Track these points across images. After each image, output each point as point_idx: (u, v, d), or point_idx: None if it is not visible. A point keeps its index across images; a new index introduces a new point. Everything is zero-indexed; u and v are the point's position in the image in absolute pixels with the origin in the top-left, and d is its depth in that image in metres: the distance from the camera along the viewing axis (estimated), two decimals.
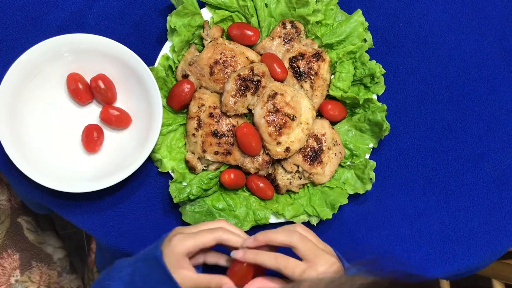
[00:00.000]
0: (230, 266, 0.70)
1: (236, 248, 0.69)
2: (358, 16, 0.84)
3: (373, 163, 0.84)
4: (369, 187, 0.84)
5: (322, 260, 0.67)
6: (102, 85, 0.80)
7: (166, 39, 0.83)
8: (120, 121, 0.81)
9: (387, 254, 0.71)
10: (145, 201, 0.84)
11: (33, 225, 1.22)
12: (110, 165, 0.80)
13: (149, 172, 0.84)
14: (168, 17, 0.80)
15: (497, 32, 0.95)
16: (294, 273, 0.65)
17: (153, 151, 0.79)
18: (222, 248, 0.71)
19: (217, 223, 0.71)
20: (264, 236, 0.69)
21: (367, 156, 0.86)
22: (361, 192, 0.84)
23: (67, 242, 1.43)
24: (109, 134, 0.82)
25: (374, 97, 0.86)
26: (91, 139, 0.80)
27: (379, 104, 0.83)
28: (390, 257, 0.71)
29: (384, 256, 0.69)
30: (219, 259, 0.73)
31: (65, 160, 0.80)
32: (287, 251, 0.68)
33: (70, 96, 0.81)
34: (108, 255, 1.01)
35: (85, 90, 0.80)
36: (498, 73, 0.94)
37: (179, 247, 0.67)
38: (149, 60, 0.82)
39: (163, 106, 0.79)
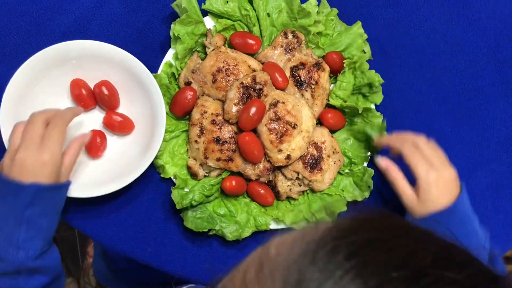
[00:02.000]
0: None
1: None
2: (358, 28, 0.86)
3: (371, 171, 0.85)
4: (367, 194, 0.86)
5: (443, 166, 0.75)
6: (105, 91, 0.81)
7: (169, 47, 0.84)
8: (123, 127, 0.82)
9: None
10: (147, 206, 0.84)
11: None
12: (113, 171, 0.80)
13: (151, 177, 0.85)
14: (172, 25, 0.81)
15: (491, 44, 0.97)
16: (416, 165, 0.75)
17: (155, 157, 0.80)
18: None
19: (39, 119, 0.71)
20: (387, 139, 0.81)
21: (365, 164, 0.88)
22: (360, 199, 0.86)
23: (60, 245, 1.42)
24: (112, 140, 0.83)
25: (372, 106, 0.88)
26: (94, 144, 0.80)
27: (378, 113, 0.85)
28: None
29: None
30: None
31: None
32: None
33: (73, 101, 0.82)
34: (106, 259, 1.01)
35: (89, 95, 0.81)
36: (492, 84, 0.97)
37: (53, 162, 0.68)
38: (152, 67, 0.83)
39: (166, 113, 0.80)
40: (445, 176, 0.75)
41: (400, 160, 0.80)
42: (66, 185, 0.72)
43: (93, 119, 0.84)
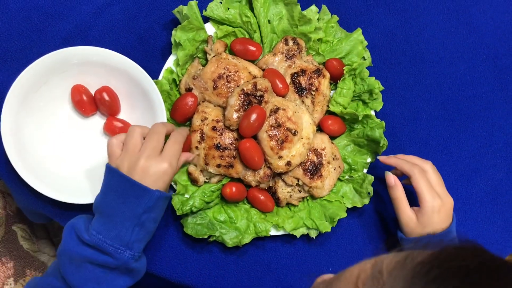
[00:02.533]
0: None
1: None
2: (358, 35, 0.87)
3: (371, 178, 0.86)
4: (367, 201, 0.86)
5: (445, 192, 0.81)
6: (106, 97, 0.81)
7: (170, 53, 0.84)
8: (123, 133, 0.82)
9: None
10: None
11: (27, 233, 1.21)
12: None
13: None
14: (173, 31, 0.81)
15: (490, 50, 0.98)
16: (422, 188, 0.80)
17: None
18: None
19: (135, 132, 0.73)
20: (403, 156, 0.85)
21: (365, 170, 0.88)
22: (359, 205, 0.86)
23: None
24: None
25: (372, 113, 0.88)
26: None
27: (378, 120, 0.85)
28: (453, 231, 0.81)
29: (449, 231, 0.79)
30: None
31: (68, 171, 0.81)
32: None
33: (74, 107, 0.82)
34: None
35: (89, 101, 0.81)
36: (491, 91, 0.97)
37: (171, 176, 0.71)
38: (153, 73, 0.83)
39: (167, 119, 0.81)
40: (447, 205, 0.81)
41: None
42: (171, 196, 0.74)
43: (94, 125, 0.84)
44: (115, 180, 0.69)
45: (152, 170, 0.69)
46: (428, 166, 0.82)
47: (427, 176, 0.81)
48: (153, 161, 0.69)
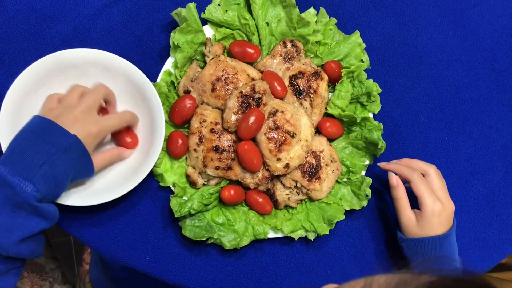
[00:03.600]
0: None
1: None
2: (356, 38, 0.87)
3: (369, 180, 0.86)
4: (365, 203, 0.86)
5: (446, 196, 0.81)
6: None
7: (168, 55, 0.84)
8: (131, 145, 0.82)
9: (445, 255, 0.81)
10: (145, 215, 0.84)
11: None
12: (111, 179, 0.80)
13: (150, 186, 0.84)
14: (172, 34, 0.81)
15: (488, 53, 0.98)
16: (422, 193, 0.80)
17: (154, 166, 0.80)
18: None
19: (76, 91, 0.76)
20: (407, 160, 0.85)
21: (363, 173, 0.88)
22: (357, 208, 0.86)
23: (56, 250, 1.42)
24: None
25: (370, 115, 0.88)
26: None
27: (376, 122, 0.85)
28: (449, 257, 0.81)
29: (444, 256, 0.76)
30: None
31: None
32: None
33: None
34: (104, 267, 1.01)
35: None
36: (489, 93, 0.98)
37: (97, 136, 0.72)
38: (151, 75, 0.83)
39: (165, 121, 0.80)
40: (448, 209, 0.81)
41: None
42: (91, 167, 0.73)
43: None
44: (36, 122, 0.69)
45: (81, 122, 0.69)
46: (431, 170, 0.82)
47: (428, 180, 0.81)
48: (85, 117, 0.70)
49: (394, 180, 0.82)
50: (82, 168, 0.72)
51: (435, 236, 0.79)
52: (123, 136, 0.80)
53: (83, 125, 0.70)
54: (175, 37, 0.81)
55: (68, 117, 0.70)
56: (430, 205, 0.79)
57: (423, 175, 0.82)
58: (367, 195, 0.86)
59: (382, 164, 0.85)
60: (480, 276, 0.44)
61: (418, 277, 0.43)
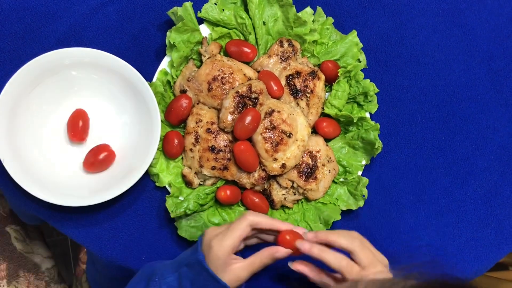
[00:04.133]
0: (279, 239, 0.73)
1: (269, 231, 0.74)
2: (353, 37, 0.87)
3: (365, 180, 0.85)
4: (361, 203, 0.86)
5: (377, 268, 0.70)
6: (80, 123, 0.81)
7: (164, 54, 0.84)
8: (106, 163, 0.81)
9: (434, 258, 0.75)
10: (141, 215, 0.84)
11: (21, 234, 1.21)
12: (107, 180, 0.80)
13: (145, 186, 0.84)
14: (168, 33, 0.81)
15: (484, 53, 0.98)
16: (351, 276, 0.70)
17: (150, 166, 0.80)
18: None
19: (245, 219, 0.73)
20: (326, 236, 0.73)
21: (360, 173, 0.88)
22: (354, 208, 0.86)
23: (52, 249, 1.42)
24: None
25: (367, 115, 0.88)
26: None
27: (372, 122, 0.85)
28: (437, 261, 0.76)
29: (432, 260, 0.72)
30: (260, 236, 0.77)
31: (62, 174, 0.80)
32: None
33: (67, 110, 0.82)
34: (101, 268, 1.00)
35: (83, 129, 0.81)
36: (486, 93, 0.97)
37: (221, 249, 0.70)
38: (147, 75, 0.82)
39: (161, 121, 0.80)
40: (381, 274, 0.71)
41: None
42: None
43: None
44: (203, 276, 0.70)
45: (222, 259, 0.70)
46: (354, 246, 0.72)
47: (356, 259, 0.71)
48: (218, 243, 0.70)
49: (300, 267, 0.74)
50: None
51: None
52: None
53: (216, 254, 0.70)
54: (171, 36, 0.80)
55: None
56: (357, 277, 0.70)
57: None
58: (363, 195, 0.86)
59: (305, 247, 0.72)
60: (468, 282, 0.44)
61: (405, 280, 0.43)
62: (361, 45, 0.87)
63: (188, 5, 0.80)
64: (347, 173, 0.87)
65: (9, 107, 0.76)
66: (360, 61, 0.88)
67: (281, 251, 0.72)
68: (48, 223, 0.85)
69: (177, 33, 0.81)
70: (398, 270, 0.71)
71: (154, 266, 0.76)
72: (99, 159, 0.80)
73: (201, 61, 0.83)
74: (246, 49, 0.84)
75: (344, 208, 0.86)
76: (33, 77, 0.77)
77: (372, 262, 0.71)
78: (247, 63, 0.85)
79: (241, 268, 0.71)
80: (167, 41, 0.82)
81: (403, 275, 0.45)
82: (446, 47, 0.96)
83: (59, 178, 0.80)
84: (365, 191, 0.86)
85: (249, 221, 0.72)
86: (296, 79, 0.84)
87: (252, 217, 0.72)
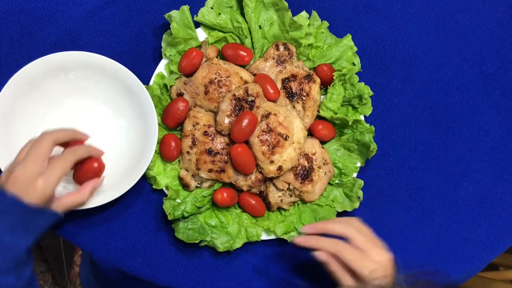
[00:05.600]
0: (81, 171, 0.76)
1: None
2: (348, 41, 0.88)
3: (361, 182, 0.86)
4: (356, 205, 0.87)
5: (376, 251, 0.74)
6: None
7: (161, 57, 0.84)
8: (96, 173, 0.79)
9: (432, 268, 0.75)
10: (138, 217, 0.84)
11: None
12: (104, 182, 0.80)
13: (143, 188, 0.84)
14: (163, 44, 0.82)
15: (476, 57, 0.99)
16: (351, 261, 0.73)
17: (147, 168, 0.80)
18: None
19: (45, 139, 0.71)
20: (323, 225, 0.76)
21: (355, 175, 0.89)
22: (349, 210, 0.87)
23: (46, 252, 1.41)
24: (103, 151, 0.82)
25: (362, 117, 0.89)
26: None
27: (367, 125, 0.86)
28: (437, 271, 0.77)
29: (431, 270, 0.73)
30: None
31: None
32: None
33: (63, 114, 0.82)
34: (95, 270, 1.00)
35: None
36: (478, 96, 0.99)
37: (49, 189, 0.68)
38: (144, 78, 0.83)
39: (158, 124, 0.80)
40: (381, 261, 0.74)
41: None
42: (50, 214, 0.70)
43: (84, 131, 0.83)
44: None
45: (21, 179, 0.66)
46: (349, 231, 0.74)
47: (353, 243, 0.74)
48: (27, 171, 0.67)
49: (324, 256, 0.75)
50: (40, 218, 0.68)
51: None
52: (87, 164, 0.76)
53: (24, 179, 0.67)
54: (166, 49, 0.82)
55: (10, 179, 0.67)
56: (365, 269, 0.72)
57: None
58: (359, 197, 0.87)
59: (300, 240, 0.76)
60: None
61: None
62: (355, 48, 0.88)
63: (185, 8, 0.81)
64: (342, 175, 0.88)
65: (6, 110, 0.76)
66: (354, 65, 0.89)
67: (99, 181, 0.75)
68: None
69: (170, 46, 0.82)
70: (403, 276, 0.72)
71: None
72: (86, 175, 0.77)
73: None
74: (242, 53, 0.84)
75: (340, 210, 0.87)
76: (29, 81, 0.77)
77: (370, 246, 0.74)
78: (244, 66, 0.86)
79: (58, 206, 0.71)
80: (162, 44, 0.82)
81: (409, 282, 0.44)
82: (439, 50, 0.98)
83: None
84: (360, 193, 0.87)
85: (48, 139, 0.70)
86: (292, 82, 0.85)
87: (49, 136, 0.70)
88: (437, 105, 0.97)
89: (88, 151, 0.74)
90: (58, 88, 0.80)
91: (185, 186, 0.83)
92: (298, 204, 0.87)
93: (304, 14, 0.86)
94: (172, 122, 0.82)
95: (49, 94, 0.80)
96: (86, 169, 0.75)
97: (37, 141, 0.70)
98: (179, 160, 0.84)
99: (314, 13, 0.88)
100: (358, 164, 0.89)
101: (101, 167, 0.76)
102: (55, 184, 0.69)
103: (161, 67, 0.84)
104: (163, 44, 0.83)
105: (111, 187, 0.79)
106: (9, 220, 0.66)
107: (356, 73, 0.88)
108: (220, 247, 0.82)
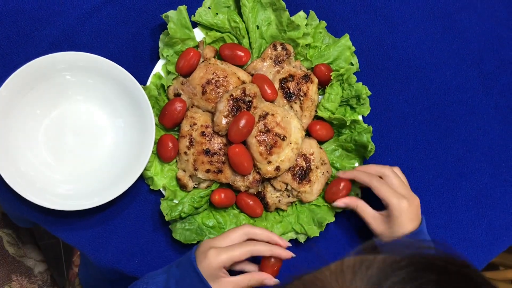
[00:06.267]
0: (261, 264, 0.78)
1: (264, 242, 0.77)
2: (346, 41, 0.88)
3: None
4: None
5: (409, 192, 0.81)
6: None
7: (158, 57, 0.84)
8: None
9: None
10: (135, 218, 0.84)
11: (13, 238, 1.20)
12: (101, 183, 0.80)
13: (140, 189, 0.84)
14: (160, 44, 0.82)
15: (475, 56, 0.99)
16: (385, 192, 0.80)
17: (144, 169, 0.80)
18: None
19: (242, 229, 0.76)
20: (351, 173, 0.84)
21: None
22: (348, 208, 0.87)
23: (44, 252, 1.41)
24: (101, 152, 0.82)
25: (360, 118, 0.89)
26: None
27: (365, 125, 0.86)
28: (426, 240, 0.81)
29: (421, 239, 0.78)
30: (246, 266, 0.79)
31: (56, 178, 0.80)
32: None
33: (60, 114, 0.82)
34: (94, 271, 1.00)
35: None
36: (476, 96, 0.99)
37: (215, 261, 0.72)
38: (141, 78, 0.83)
39: (155, 124, 0.80)
40: (413, 203, 0.81)
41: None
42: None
43: None
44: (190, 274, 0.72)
45: (204, 245, 0.74)
46: (386, 170, 0.83)
47: (387, 181, 0.82)
48: (213, 253, 0.72)
49: (340, 203, 0.84)
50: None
51: (409, 233, 0.78)
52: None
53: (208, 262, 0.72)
54: (164, 50, 0.82)
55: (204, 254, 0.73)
56: (396, 204, 0.79)
57: (381, 178, 0.82)
58: (357, 194, 0.86)
59: (340, 173, 0.85)
60: (456, 256, 0.44)
61: (409, 257, 0.43)
62: (353, 48, 0.88)
63: (183, 8, 0.81)
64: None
65: (3, 111, 0.76)
66: (352, 65, 0.89)
67: (270, 280, 0.76)
68: (39, 226, 0.85)
69: (168, 47, 0.82)
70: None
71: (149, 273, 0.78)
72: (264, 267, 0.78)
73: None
74: (239, 53, 0.84)
75: (339, 210, 0.87)
76: (26, 81, 0.77)
77: (404, 188, 0.81)
78: (241, 66, 0.85)
79: (229, 282, 0.73)
80: (160, 44, 0.82)
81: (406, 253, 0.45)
82: (437, 50, 0.98)
83: (52, 182, 0.80)
84: (358, 191, 0.86)
85: (249, 250, 0.74)
86: (290, 82, 0.85)
87: (253, 247, 0.74)
88: (435, 105, 0.97)
89: (270, 251, 0.76)
90: (55, 89, 0.80)
91: (183, 186, 0.82)
92: (296, 204, 0.87)
93: (301, 14, 0.85)
94: (169, 122, 0.82)
95: (46, 95, 0.80)
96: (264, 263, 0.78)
97: (236, 227, 0.77)
98: (176, 161, 0.84)
99: (312, 13, 0.88)
100: (356, 164, 0.89)
101: (277, 265, 0.78)
102: (224, 263, 0.72)
103: (159, 68, 0.84)
104: (160, 44, 0.83)
105: (108, 187, 0.79)
106: (180, 275, 0.72)
107: (354, 73, 0.88)
108: None
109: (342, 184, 0.84)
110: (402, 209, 0.79)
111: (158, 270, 0.77)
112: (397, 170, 0.85)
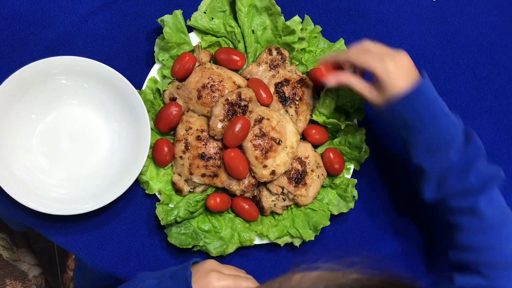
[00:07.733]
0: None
1: None
2: (341, 45, 0.88)
3: (354, 181, 0.87)
4: (352, 205, 0.87)
5: (394, 52, 0.77)
6: None
7: (154, 62, 0.84)
8: None
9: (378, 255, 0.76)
10: (131, 222, 0.84)
11: (8, 242, 1.20)
12: (96, 187, 0.80)
13: (135, 193, 0.84)
14: (155, 48, 0.82)
15: (469, 61, 1.00)
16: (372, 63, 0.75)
17: (140, 173, 0.80)
18: None
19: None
20: (329, 56, 0.81)
21: (347, 176, 0.89)
22: (345, 211, 0.87)
23: (39, 256, 1.40)
24: (96, 156, 0.82)
25: (355, 122, 0.89)
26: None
27: (360, 129, 0.86)
28: (382, 257, 0.78)
29: (376, 256, 0.73)
30: None
31: (51, 182, 0.80)
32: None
33: (56, 118, 0.81)
34: (89, 275, 1.00)
35: None
36: (470, 100, 0.99)
37: (215, 284, 0.71)
38: (137, 83, 0.83)
39: (151, 129, 0.80)
40: (401, 61, 0.75)
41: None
42: None
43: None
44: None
45: (206, 266, 0.73)
46: (359, 43, 0.78)
47: (364, 48, 0.77)
48: (216, 264, 0.74)
49: (332, 80, 0.79)
50: None
51: (402, 95, 0.73)
52: None
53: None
54: (159, 54, 0.82)
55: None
56: (380, 66, 0.73)
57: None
58: (354, 196, 0.86)
59: (321, 62, 0.81)
60: (412, 280, 0.42)
61: (343, 275, 0.41)
62: None
63: (178, 13, 0.81)
64: (334, 177, 0.88)
65: None
66: None
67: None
68: (34, 229, 0.84)
69: (163, 51, 0.82)
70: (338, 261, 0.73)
71: (141, 273, 0.77)
72: None
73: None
74: (235, 57, 0.84)
75: (336, 213, 0.87)
76: (22, 86, 0.77)
77: (372, 59, 0.75)
78: (236, 71, 0.86)
79: None
80: (155, 49, 0.82)
81: (345, 268, 0.43)
82: (431, 55, 0.98)
83: (47, 187, 0.79)
84: (355, 192, 0.86)
85: (251, 284, 0.74)
86: (285, 86, 0.85)
87: (254, 284, 0.75)
88: None
89: None
90: (50, 93, 0.80)
91: (178, 191, 0.82)
92: (291, 208, 0.87)
93: (297, 18, 0.86)
94: (165, 126, 0.82)
95: (41, 99, 0.80)
96: None
97: (248, 278, 0.77)
98: (172, 165, 0.84)
99: (307, 17, 0.88)
100: (352, 166, 0.89)
101: None
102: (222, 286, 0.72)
103: (154, 72, 0.84)
104: (156, 49, 0.83)
105: (103, 192, 0.79)
106: (173, 285, 0.71)
107: None
108: (213, 252, 0.82)
109: (323, 68, 0.81)
110: (388, 70, 0.73)
111: (150, 273, 0.76)
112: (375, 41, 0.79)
